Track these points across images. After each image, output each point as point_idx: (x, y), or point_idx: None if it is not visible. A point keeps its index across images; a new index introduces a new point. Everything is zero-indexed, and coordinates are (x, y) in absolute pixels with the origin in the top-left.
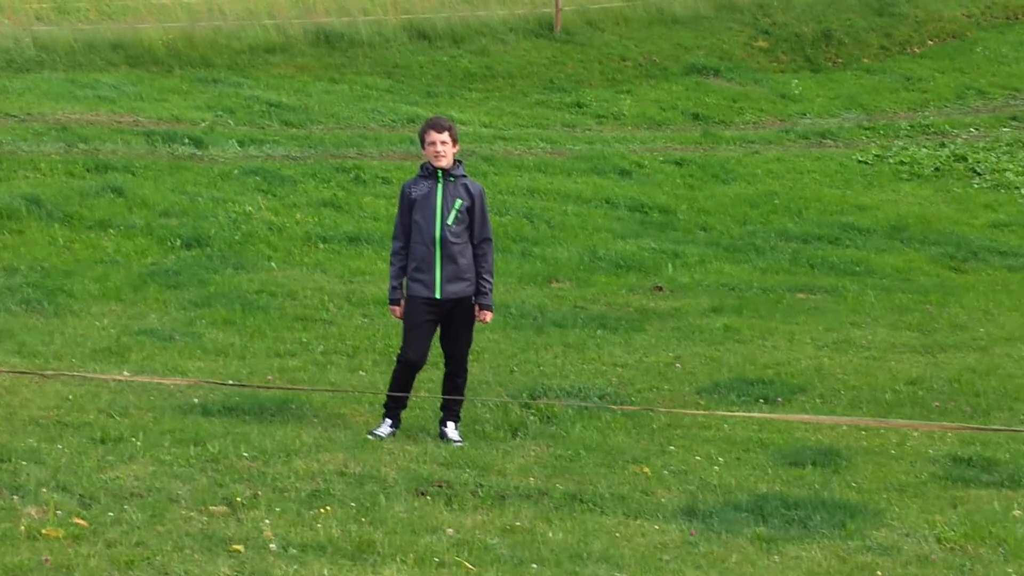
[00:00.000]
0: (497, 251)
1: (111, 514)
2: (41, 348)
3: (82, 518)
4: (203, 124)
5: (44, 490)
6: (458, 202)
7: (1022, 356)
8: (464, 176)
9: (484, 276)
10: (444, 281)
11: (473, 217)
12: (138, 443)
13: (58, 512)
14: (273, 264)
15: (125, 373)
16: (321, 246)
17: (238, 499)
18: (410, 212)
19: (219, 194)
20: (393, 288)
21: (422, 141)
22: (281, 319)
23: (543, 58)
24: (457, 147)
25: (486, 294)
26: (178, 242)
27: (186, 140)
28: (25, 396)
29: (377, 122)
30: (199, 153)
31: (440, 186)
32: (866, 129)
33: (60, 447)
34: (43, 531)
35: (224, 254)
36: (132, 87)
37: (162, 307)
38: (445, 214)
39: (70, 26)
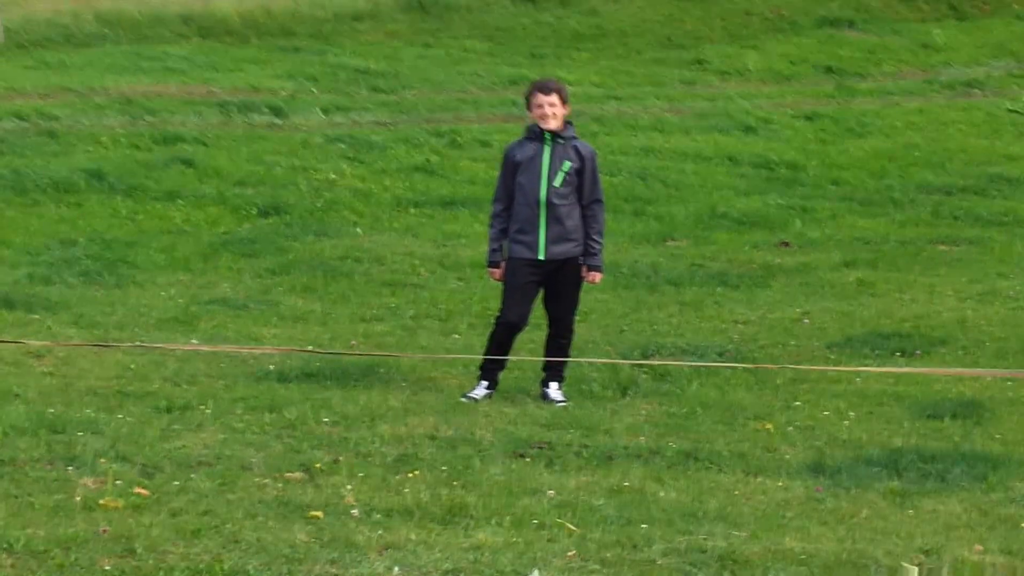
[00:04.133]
0: (608, 211)
1: (176, 483)
2: (100, 319)
3: (144, 487)
4: (284, 93)
5: (102, 460)
6: (566, 164)
7: None
8: (574, 138)
9: (593, 237)
10: (549, 242)
11: (583, 179)
12: (207, 411)
13: (117, 482)
14: (359, 230)
15: (194, 341)
16: (412, 211)
17: (317, 465)
18: (514, 175)
19: (300, 162)
20: (493, 250)
21: (528, 104)
22: (367, 284)
23: (659, 15)
24: (567, 109)
25: (595, 255)
26: (254, 211)
27: (265, 109)
28: (82, 367)
29: (476, 85)
30: (279, 122)
31: (548, 148)
32: (1017, 77)
33: (120, 417)
34: (100, 501)
35: (305, 221)
36: (204, 58)
37: (235, 276)
38: (552, 175)
39: (136, 0)
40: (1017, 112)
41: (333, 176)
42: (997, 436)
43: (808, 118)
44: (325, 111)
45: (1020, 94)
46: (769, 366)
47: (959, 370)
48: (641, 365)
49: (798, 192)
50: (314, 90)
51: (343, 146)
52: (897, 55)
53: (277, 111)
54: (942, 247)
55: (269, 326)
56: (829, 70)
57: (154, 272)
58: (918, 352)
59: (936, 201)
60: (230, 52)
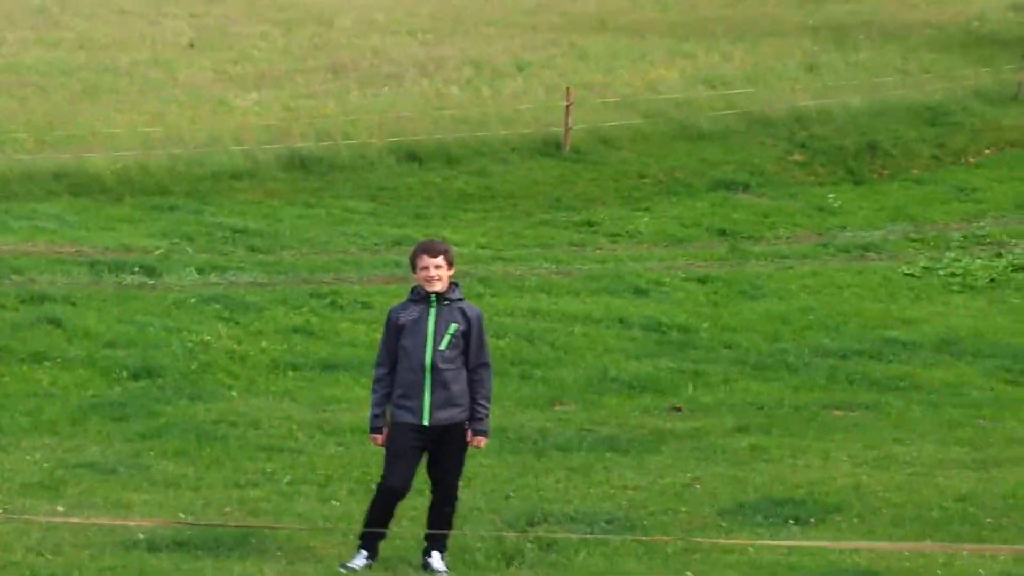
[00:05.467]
0: (495, 375)
1: None
2: None
3: None
4: (157, 252)
5: None
6: (453, 327)
7: None
8: (461, 299)
9: (479, 402)
10: (434, 408)
11: (469, 342)
12: None
13: None
14: (234, 393)
15: (60, 509)
16: (290, 374)
17: None
18: (397, 338)
19: (173, 323)
20: (375, 416)
21: (413, 266)
22: (242, 449)
23: (549, 177)
24: (453, 270)
25: (481, 420)
26: (125, 373)
27: (136, 269)
28: None
29: (358, 246)
30: (151, 282)
31: (433, 311)
32: (914, 241)
33: None
34: None
35: (178, 384)
36: (75, 216)
37: (105, 440)
38: (437, 340)
39: (5, 156)
40: (912, 276)
41: (208, 337)
42: None
43: (700, 281)
44: (200, 271)
45: (916, 258)
46: (661, 538)
47: (854, 543)
48: (527, 533)
49: (690, 356)
50: (189, 249)
51: (218, 306)
52: (792, 219)
53: (150, 271)
54: (837, 412)
55: (139, 491)
56: (722, 233)
57: (18, 436)
58: (812, 520)
59: (831, 365)
60: (102, 210)
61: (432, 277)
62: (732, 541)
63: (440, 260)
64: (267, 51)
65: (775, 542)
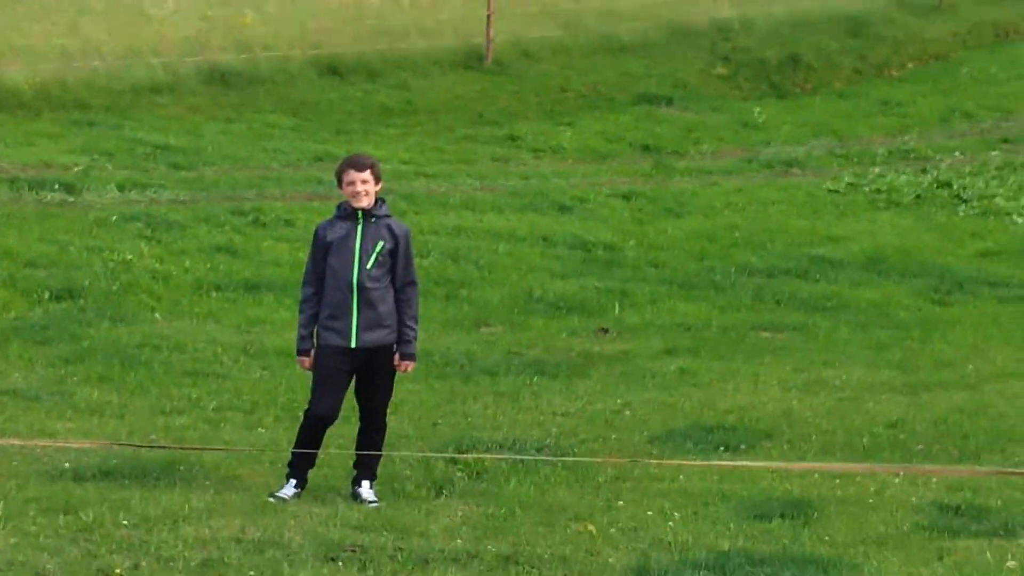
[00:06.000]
0: (420, 295)
1: None
2: None
3: None
4: (77, 168)
5: None
6: (380, 244)
7: (1015, 394)
8: (388, 216)
9: (407, 323)
10: (361, 329)
11: (396, 260)
12: None
13: None
14: (157, 315)
15: None
16: (214, 295)
17: (117, 571)
18: (324, 256)
19: (94, 242)
20: (302, 337)
21: (339, 181)
22: (167, 374)
23: (471, 91)
24: (380, 186)
25: (409, 342)
26: (46, 294)
27: (56, 186)
28: None
29: (280, 162)
30: (71, 199)
31: (360, 227)
32: (838, 156)
33: None
34: None
35: (100, 306)
36: None
37: (27, 365)
38: (364, 258)
39: None
40: (837, 192)
41: (129, 257)
42: (826, 538)
43: (625, 197)
44: (121, 188)
45: (840, 174)
46: (594, 459)
47: (787, 464)
48: (456, 461)
49: (616, 275)
50: (109, 166)
51: (140, 225)
52: (716, 133)
53: (69, 188)
54: (765, 334)
55: (64, 419)
56: (646, 148)
57: None
58: (742, 447)
59: (758, 284)
60: (21, 125)
61: (359, 192)
62: (667, 463)
63: (367, 175)
64: None
65: (704, 463)
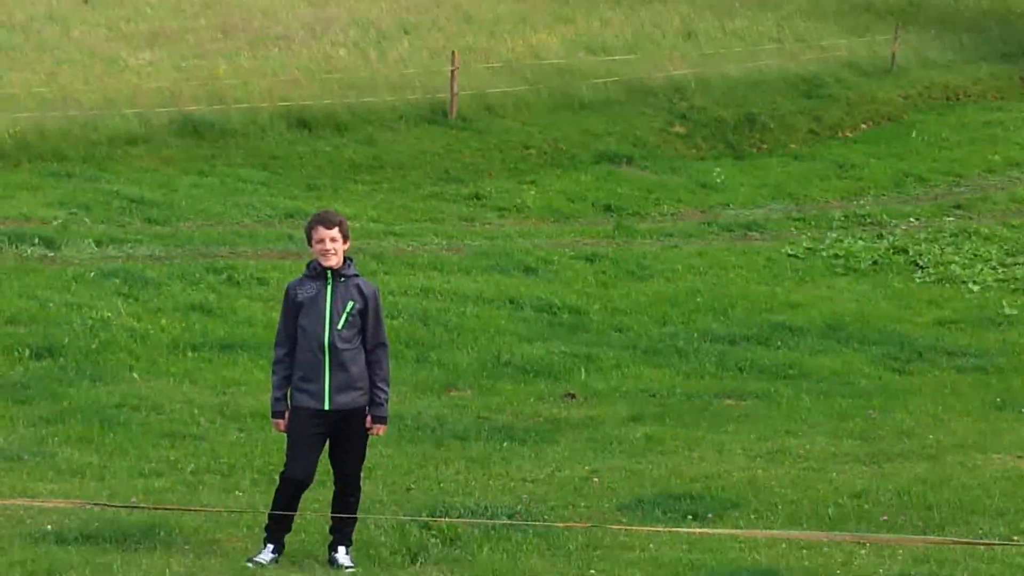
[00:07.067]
0: (391, 357)
1: None
2: None
3: None
4: (56, 222)
5: None
6: (350, 304)
7: (976, 465)
8: (357, 276)
9: (378, 385)
10: (334, 391)
11: (366, 321)
12: None
13: None
14: (135, 375)
15: None
16: (190, 354)
17: None
18: (295, 316)
19: (73, 299)
20: (276, 399)
21: (309, 238)
22: (145, 435)
23: (437, 146)
24: (348, 244)
25: (380, 405)
26: (27, 352)
27: (36, 240)
28: None
29: (252, 218)
30: (51, 254)
31: (329, 287)
32: (796, 220)
33: None
34: None
35: (80, 364)
36: None
37: (8, 424)
38: (335, 318)
39: None
40: (796, 256)
41: (108, 314)
42: None
43: (588, 259)
44: (98, 243)
45: (798, 238)
46: (569, 525)
47: (754, 532)
48: (430, 527)
49: (582, 339)
50: (87, 220)
51: (117, 281)
52: (676, 194)
53: (49, 242)
54: (728, 401)
55: (45, 480)
56: (608, 208)
57: None
58: (710, 515)
59: (720, 351)
60: (1, 177)
61: (328, 251)
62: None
63: (335, 232)
64: (159, 8)
65: (674, 529)
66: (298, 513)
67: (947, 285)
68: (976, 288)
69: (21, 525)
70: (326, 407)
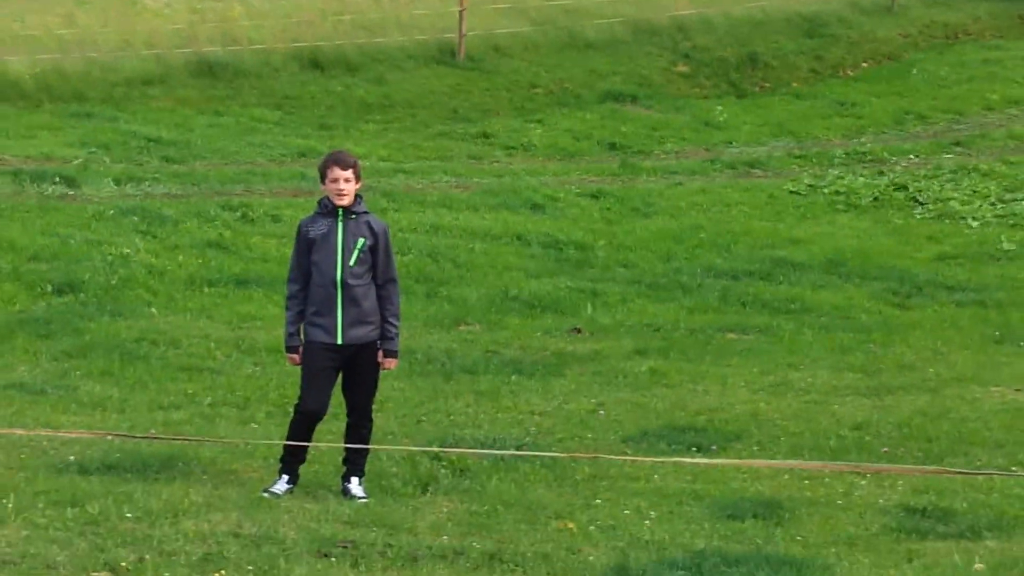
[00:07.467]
0: (401, 292)
1: None
2: None
3: None
4: (76, 161)
5: None
6: (360, 241)
7: (975, 397)
8: (367, 213)
9: (389, 320)
10: (346, 325)
11: (377, 257)
12: (8, 505)
13: None
14: (154, 310)
15: None
16: (206, 290)
17: (122, 564)
18: (308, 252)
19: (93, 236)
20: (290, 334)
21: (323, 177)
22: (164, 369)
23: (445, 86)
24: (360, 184)
25: (391, 339)
26: (49, 288)
27: (57, 179)
28: None
29: (266, 157)
30: (71, 192)
31: (341, 224)
32: (797, 157)
33: None
34: None
35: (100, 300)
36: None
37: (32, 358)
38: (346, 254)
39: None
40: (797, 193)
41: (127, 251)
42: (799, 538)
43: (594, 196)
44: (117, 182)
45: (800, 175)
46: (573, 455)
47: (758, 462)
48: (440, 458)
49: (588, 274)
50: (106, 159)
51: (136, 219)
52: (679, 132)
53: (70, 181)
54: (732, 335)
55: (68, 413)
56: (613, 146)
57: None
58: (713, 447)
59: (724, 286)
60: (23, 117)
61: (342, 191)
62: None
63: (349, 173)
64: None
65: (678, 459)
66: (312, 444)
67: (946, 221)
68: (975, 224)
69: (45, 456)
70: (339, 341)
